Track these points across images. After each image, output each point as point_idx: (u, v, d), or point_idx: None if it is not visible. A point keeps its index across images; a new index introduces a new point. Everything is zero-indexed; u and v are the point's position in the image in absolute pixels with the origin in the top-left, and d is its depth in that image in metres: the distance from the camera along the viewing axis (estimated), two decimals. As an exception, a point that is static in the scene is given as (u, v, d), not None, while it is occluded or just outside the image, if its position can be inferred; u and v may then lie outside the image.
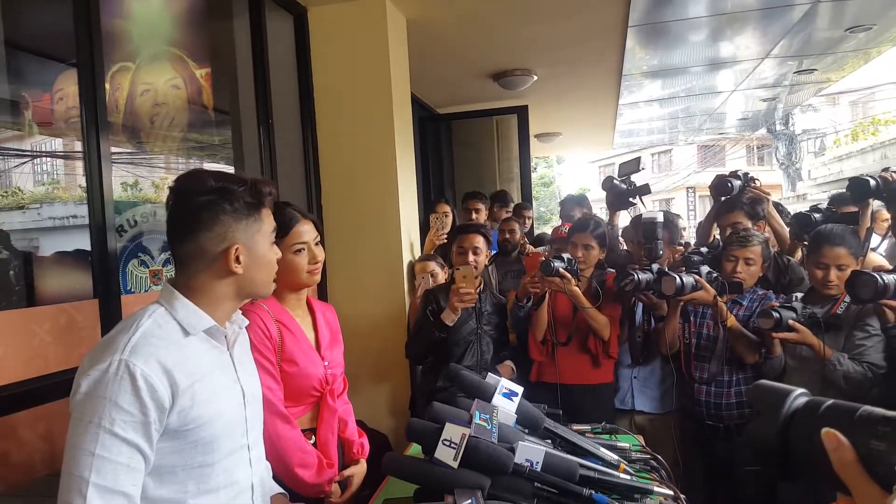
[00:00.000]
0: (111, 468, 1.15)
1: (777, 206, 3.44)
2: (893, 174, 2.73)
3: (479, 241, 2.98)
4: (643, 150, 28.42)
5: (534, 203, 10.07)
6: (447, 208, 4.15)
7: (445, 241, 3.69)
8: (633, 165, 3.58)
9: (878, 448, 0.59)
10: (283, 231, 1.82)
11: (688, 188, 27.59)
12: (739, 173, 3.21)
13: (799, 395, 0.69)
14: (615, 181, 3.48)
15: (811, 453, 0.64)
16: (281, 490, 1.67)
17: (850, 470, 0.61)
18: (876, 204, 3.05)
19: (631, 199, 3.47)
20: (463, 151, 6.73)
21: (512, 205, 5.22)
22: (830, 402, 0.67)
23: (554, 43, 4.68)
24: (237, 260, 1.34)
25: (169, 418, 1.23)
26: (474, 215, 4.70)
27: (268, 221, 1.43)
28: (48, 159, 2.77)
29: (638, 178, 3.48)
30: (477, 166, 6.62)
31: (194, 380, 1.27)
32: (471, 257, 2.93)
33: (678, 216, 4.17)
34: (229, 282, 1.37)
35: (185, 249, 1.33)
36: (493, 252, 4.04)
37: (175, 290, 1.34)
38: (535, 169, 23.62)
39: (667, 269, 2.73)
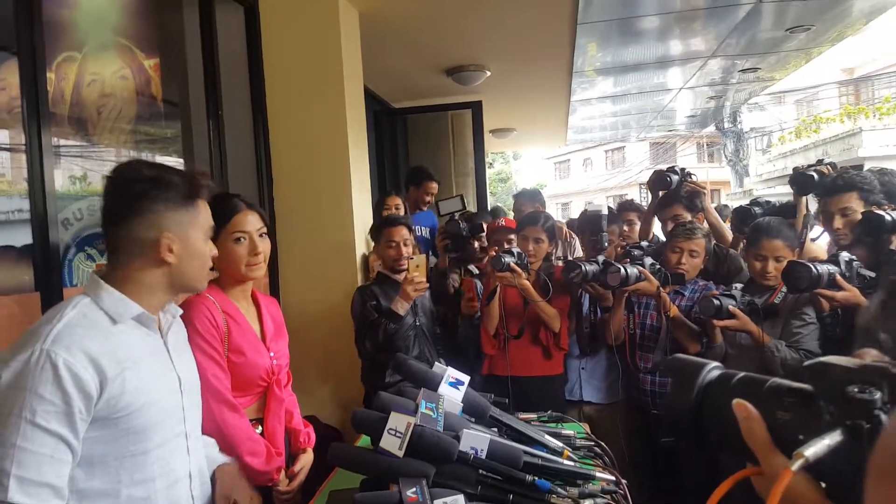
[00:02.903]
0: (34, 460, 1.14)
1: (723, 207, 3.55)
2: (828, 167, 2.84)
3: (406, 232, 3.07)
4: (597, 147, 28.90)
5: (490, 198, 10.14)
6: (398, 201, 4.15)
7: None
8: (457, 204, 3.92)
9: (783, 418, 0.62)
10: (224, 219, 1.83)
11: (640, 184, 28.04)
12: (676, 168, 3.32)
13: (713, 368, 0.72)
14: (461, 225, 3.62)
15: (723, 423, 0.67)
16: (227, 460, 1.68)
17: (757, 439, 0.63)
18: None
19: (469, 240, 3.64)
20: (418, 146, 6.74)
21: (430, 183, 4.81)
22: (742, 374, 0.69)
23: (506, 38, 4.71)
24: (169, 249, 1.35)
25: (97, 406, 1.22)
26: (431, 197, 4.63)
27: (204, 214, 1.44)
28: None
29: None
30: (433, 161, 6.61)
31: (124, 367, 1.27)
32: (403, 249, 3.01)
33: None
34: (161, 272, 1.38)
35: (118, 236, 1.34)
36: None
37: (101, 281, 1.34)
38: (492, 165, 23.75)
39: (612, 261, 2.80)
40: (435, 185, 4.67)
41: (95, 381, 1.21)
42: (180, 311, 1.51)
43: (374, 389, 2.87)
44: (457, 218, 3.74)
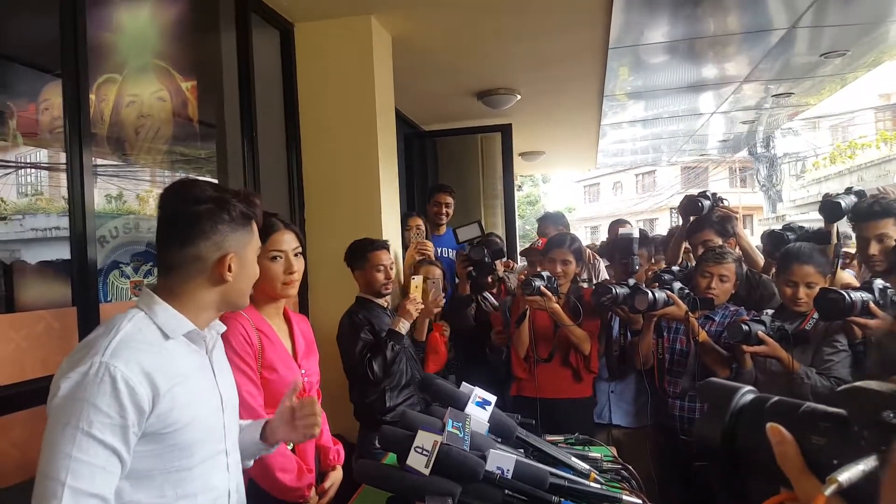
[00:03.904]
0: (87, 471, 1.15)
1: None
2: (856, 195, 2.79)
3: (390, 255, 3.05)
4: (627, 171, 28.77)
5: (519, 221, 10.12)
6: (419, 221, 4.15)
7: (423, 256, 3.73)
8: (475, 230, 3.86)
9: (818, 443, 0.61)
10: (262, 237, 1.85)
11: (671, 209, 27.76)
12: (708, 193, 3.29)
13: (746, 392, 0.71)
14: (485, 251, 3.62)
15: (756, 447, 0.66)
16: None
17: (791, 463, 0.62)
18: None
19: (492, 267, 3.68)
20: (448, 168, 6.78)
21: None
22: (776, 398, 0.69)
23: (537, 62, 4.75)
24: (229, 269, 1.37)
25: (149, 421, 1.23)
26: (444, 209, 4.55)
27: (256, 235, 1.47)
28: (32, 170, 2.78)
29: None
30: (462, 183, 6.64)
31: (174, 383, 1.28)
32: (391, 272, 3.01)
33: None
34: (217, 290, 1.39)
35: (181, 256, 1.35)
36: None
37: (155, 295, 1.35)
38: (521, 188, 23.70)
39: (641, 285, 2.79)
40: (446, 196, 4.57)
41: (149, 395, 1.22)
42: (223, 328, 1.52)
43: (374, 417, 2.85)
44: (477, 244, 3.73)
